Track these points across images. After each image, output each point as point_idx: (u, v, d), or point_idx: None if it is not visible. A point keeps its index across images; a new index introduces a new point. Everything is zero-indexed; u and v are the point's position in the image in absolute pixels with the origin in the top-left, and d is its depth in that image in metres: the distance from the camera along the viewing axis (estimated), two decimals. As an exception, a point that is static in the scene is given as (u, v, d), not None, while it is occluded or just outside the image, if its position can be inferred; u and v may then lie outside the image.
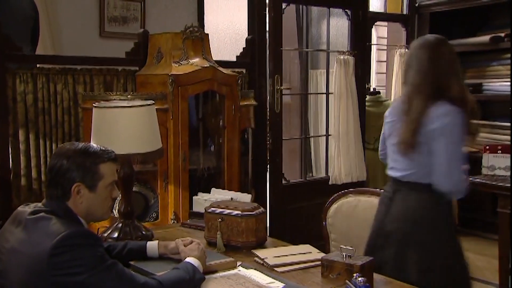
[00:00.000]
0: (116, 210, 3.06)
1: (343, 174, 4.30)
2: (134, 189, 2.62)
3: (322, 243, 2.65)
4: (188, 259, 1.79)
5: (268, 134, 4.02)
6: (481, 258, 4.31)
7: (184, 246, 1.90)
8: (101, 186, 1.69)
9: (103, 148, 1.74)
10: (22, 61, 3.02)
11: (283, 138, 4.19)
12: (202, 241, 2.29)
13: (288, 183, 4.26)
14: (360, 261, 1.83)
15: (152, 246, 1.97)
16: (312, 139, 5.01)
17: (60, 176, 1.64)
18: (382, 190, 2.64)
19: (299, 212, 4.17)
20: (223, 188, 3.12)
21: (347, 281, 1.75)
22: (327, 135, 4.58)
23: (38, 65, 3.08)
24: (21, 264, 1.55)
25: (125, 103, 2.34)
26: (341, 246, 1.92)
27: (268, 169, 4.06)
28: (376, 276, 1.88)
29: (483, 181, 3.42)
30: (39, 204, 1.68)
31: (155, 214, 3.16)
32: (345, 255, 1.86)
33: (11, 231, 1.65)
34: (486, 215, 4.87)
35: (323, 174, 4.71)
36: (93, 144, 1.78)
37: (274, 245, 2.26)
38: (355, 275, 1.73)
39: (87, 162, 1.66)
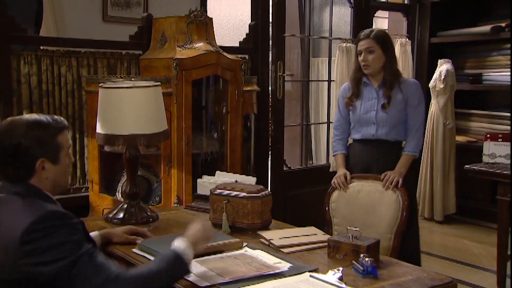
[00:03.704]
0: (121, 192, 3.08)
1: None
2: (137, 172, 2.63)
3: (323, 229, 2.66)
4: (175, 244, 1.61)
5: (270, 121, 4.03)
6: (478, 245, 4.36)
7: None
8: (62, 156, 1.61)
9: (53, 118, 1.63)
10: (27, 43, 3.02)
11: (285, 125, 4.21)
12: (207, 223, 2.32)
13: (289, 169, 4.28)
14: (366, 242, 1.85)
15: (94, 235, 1.90)
16: (312, 126, 5.03)
17: (20, 156, 1.53)
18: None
19: (300, 199, 4.20)
20: (226, 173, 3.13)
21: (354, 261, 1.78)
22: (328, 123, 4.59)
23: (42, 47, 3.07)
24: None
25: (131, 84, 2.34)
26: (348, 227, 1.94)
27: (270, 155, 4.08)
28: (382, 257, 1.90)
29: (484, 169, 3.44)
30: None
31: (158, 198, 3.17)
32: (352, 236, 1.89)
33: None
34: (483, 204, 4.92)
35: (323, 162, 4.74)
36: (38, 114, 1.64)
37: (279, 228, 2.27)
38: (362, 255, 1.75)
39: (45, 136, 1.56)
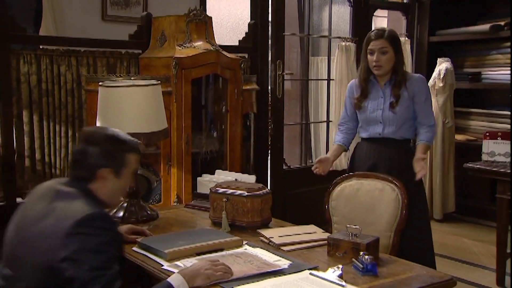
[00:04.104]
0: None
1: (343, 160, 4.32)
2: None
3: (323, 227, 2.67)
4: (172, 277, 1.59)
5: (270, 119, 4.03)
6: (477, 244, 4.37)
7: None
8: (126, 172, 1.74)
9: (130, 138, 1.79)
10: (26, 42, 3.01)
11: (284, 123, 4.21)
12: (207, 221, 2.33)
13: (289, 168, 4.28)
14: (366, 240, 1.86)
15: None
16: (312, 125, 5.03)
17: (88, 160, 1.68)
18: (383, 175, 2.69)
19: (300, 197, 4.20)
20: (226, 172, 3.13)
21: (353, 259, 1.78)
22: (328, 121, 4.60)
23: (41, 47, 3.07)
24: (40, 236, 1.55)
25: (130, 83, 2.35)
26: (347, 225, 1.94)
27: (270, 154, 4.09)
28: (381, 254, 1.91)
29: (483, 167, 3.45)
30: (62, 181, 1.71)
31: (157, 197, 3.17)
32: (351, 234, 1.89)
33: (33, 205, 1.66)
34: (482, 202, 4.92)
35: (323, 160, 4.73)
36: (119, 131, 1.81)
37: (279, 226, 2.28)
38: (361, 253, 1.76)
39: (116, 150, 1.71)
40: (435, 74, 4.95)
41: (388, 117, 2.79)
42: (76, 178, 1.70)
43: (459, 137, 5.10)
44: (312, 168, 2.83)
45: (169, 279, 1.57)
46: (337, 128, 3.02)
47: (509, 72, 4.61)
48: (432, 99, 4.88)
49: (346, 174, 2.79)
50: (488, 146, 3.50)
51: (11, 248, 1.63)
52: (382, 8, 5.40)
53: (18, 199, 2.95)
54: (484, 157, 3.54)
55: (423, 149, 2.76)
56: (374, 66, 2.77)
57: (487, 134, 3.54)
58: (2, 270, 1.63)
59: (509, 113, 4.44)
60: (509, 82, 4.49)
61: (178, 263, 1.77)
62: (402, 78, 2.78)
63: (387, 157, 2.80)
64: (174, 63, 3.01)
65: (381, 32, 2.78)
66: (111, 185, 1.71)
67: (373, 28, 2.94)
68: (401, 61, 2.81)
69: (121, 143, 1.74)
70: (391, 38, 2.76)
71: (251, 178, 2.53)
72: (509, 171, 3.26)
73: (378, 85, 2.84)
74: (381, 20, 7.04)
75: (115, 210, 2.33)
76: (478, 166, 3.50)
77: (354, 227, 1.91)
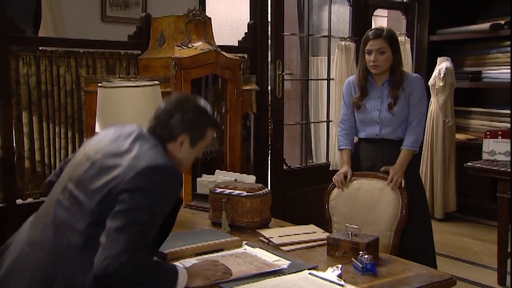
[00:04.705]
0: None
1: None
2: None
3: (323, 227, 2.66)
4: (179, 265, 1.64)
5: (270, 120, 4.03)
6: (478, 243, 4.36)
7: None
8: (200, 145, 1.77)
9: (216, 115, 1.82)
10: (25, 44, 3.02)
11: (284, 123, 4.21)
12: (206, 222, 2.33)
13: (289, 168, 4.28)
14: (365, 239, 1.85)
15: None
16: (312, 125, 5.03)
17: (172, 123, 1.70)
18: (383, 174, 2.68)
19: (300, 197, 4.20)
20: (226, 172, 3.13)
21: (353, 259, 1.78)
22: (328, 121, 4.59)
23: (40, 48, 3.07)
24: (114, 168, 1.57)
25: (130, 83, 2.35)
26: (347, 224, 1.94)
27: (270, 154, 4.08)
28: (381, 254, 1.91)
29: (484, 166, 3.44)
30: (143, 130, 1.73)
31: (157, 198, 3.17)
32: (351, 233, 1.89)
33: (113, 140, 1.68)
34: (483, 202, 4.92)
35: (323, 160, 4.74)
36: (207, 104, 1.82)
37: (279, 226, 2.28)
38: (361, 252, 1.75)
39: (201, 122, 1.75)
40: (435, 73, 4.94)
41: (386, 118, 2.77)
42: (154, 134, 1.71)
43: (459, 136, 5.09)
44: (336, 181, 2.77)
45: (178, 267, 1.59)
46: (339, 126, 2.96)
47: (509, 71, 4.60)
48: (433, 99, 4.96)
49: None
50: (488, 145, 3.49)
51: (82, 171, 1.63)
52: (382, 7, 5.39)
53: (18, 201, 2.95)
54: (485, 156, 3.53)
55: (404, 158, 2.73)
56: (372, 65, 2.75)
57: (488, 133, 3.53)
58: (68, 185, 1.64)
59: (509, 112, 4.44)
60: (510, 81, 4.49)
61: (177, 263, 1.77)
62: (399, 78, 2.76)
63: (385, 157, 2.79)
64: (173, 63, 3.01)
65: (379, 32, 2.76)
66: (184, 152, 1.73)
67: (372, 28, 2.89)
68: (399, 61, 2.80)
69: (208, 117, 1.77)
70: (389, 37, 2.75)
71: (250, 178, 2.52)
72: (509, 170, 3.25)
73: (376, 85, 2.82)
74: (381, 19, 7.05)
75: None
76: (478, 165, 3.49)
77: (353, 226, 1.90)
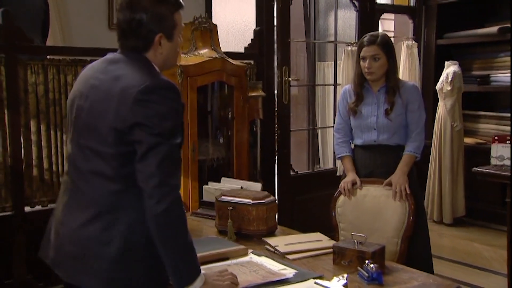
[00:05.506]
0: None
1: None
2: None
3: (330, 234, 2.67)
4: (203, 273, 1.58)
5: (276, 125, 4.03)
6: (488, 248, 4.33)
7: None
8: (176, 34, 1.68)
9: None
10: (34, 52, 3.04)
11: (291, 129, 4.21)
12: (212, 230, 2.33)
13: (296, 174, 4.28)
14: (371, 248, 1.85)
15: None
16: (319, 131, 5.03)
17: (142, 29, 1.61)
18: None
19: (307, 203, 4.19)
20: (232, 179, 3.13)
21: (359, 268, 1.77)
22: (335, 127, 4.58)
23: (48, 57, 3.10)
24: (110, 106, 1.54)
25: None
26: (353, 233, 1.93)
27: (277, 160, 4.08)
28: (387, 262, 1.90)
29: (492, 171, 3.41)
30: (115, 55, 1.66)
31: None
32: (357, 242, 1.88)
33: (96, 78, 1.63)
34: (493, 206, 4.87)
35: (330, 166, 4.73)
36: None
37: (284, 234, 2.27)
38: (367, 261, 1.75)
39: (165, 12, 1.63)
40: (443, 77, 4.92)
41: (383, 123, 2.77)
42: (129, 48, 1.64)
43: (468, 140, 5.06)
44: (343, 189, 2.77)
45: (203, 273, 1.57)
46: (335, 136, 2.96)
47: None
48: (440, 103, 4.94)
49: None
50: (497, 150, 3.46)
51: (83, 119, 1.62)
52: (388, 12, 5.39)
53: (27, 208, 2.97)
54: (493, 161, 3.50)
55: (407, 162, 2.73)
56: (366, 72, 2.76)
57: (496, 138, 3.50)
58: (77, 139, 1.62)
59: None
60: (510, 83, 4.45)
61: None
62: (394, 85, 2.77)
63: (383, 164, 2.78)
64: (179, 71, 3.02)
65: (373, 38, 2.76)
66: (165, 50, 1.65)
67: (367, 33, 2.89)
68: (394, 67, 2.79)
69: (167, 2, 1.64)
70: (384, 44, 2.75)
71: (256, 186, 2.52)
72: (510, 174, 3.22)
73: (372, 91, 2.82)
74: (388, 22, 7.04)
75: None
76: (487, 170, 3.46)
77: (359, 235, 1.90)
